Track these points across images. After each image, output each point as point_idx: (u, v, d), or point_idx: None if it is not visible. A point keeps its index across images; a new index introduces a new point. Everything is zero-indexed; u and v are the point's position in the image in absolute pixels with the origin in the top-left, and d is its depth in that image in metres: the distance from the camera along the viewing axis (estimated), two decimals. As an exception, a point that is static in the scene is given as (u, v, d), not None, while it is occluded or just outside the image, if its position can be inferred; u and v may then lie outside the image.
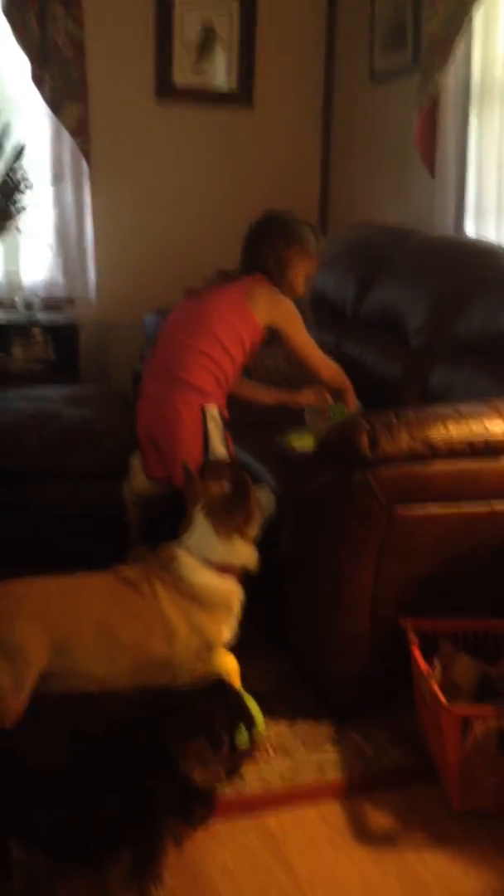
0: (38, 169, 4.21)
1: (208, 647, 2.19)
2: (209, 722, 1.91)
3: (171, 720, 1.89)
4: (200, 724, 1.89)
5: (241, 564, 2.26)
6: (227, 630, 2.24)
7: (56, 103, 4.22)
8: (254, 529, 2.28)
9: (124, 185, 4.54)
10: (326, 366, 3.05)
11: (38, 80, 4.17)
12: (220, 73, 4.65)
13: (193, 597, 2.18)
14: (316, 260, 3.09)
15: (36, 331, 4.24)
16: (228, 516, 2.22)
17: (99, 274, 4.52)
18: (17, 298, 4.32)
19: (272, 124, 4.76)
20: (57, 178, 4.34)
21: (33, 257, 4.46)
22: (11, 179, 4.06)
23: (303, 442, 2.86)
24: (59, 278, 4.48)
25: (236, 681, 2.22)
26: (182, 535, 2.26)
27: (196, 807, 1.85)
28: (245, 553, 2.26)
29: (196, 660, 2.17)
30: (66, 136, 4.31)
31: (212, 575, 2.21)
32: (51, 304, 4.41)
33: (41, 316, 4.29)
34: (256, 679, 2.43)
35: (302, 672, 2.58)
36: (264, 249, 2.97)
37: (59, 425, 3.33)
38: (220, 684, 2.05)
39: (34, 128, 4.31)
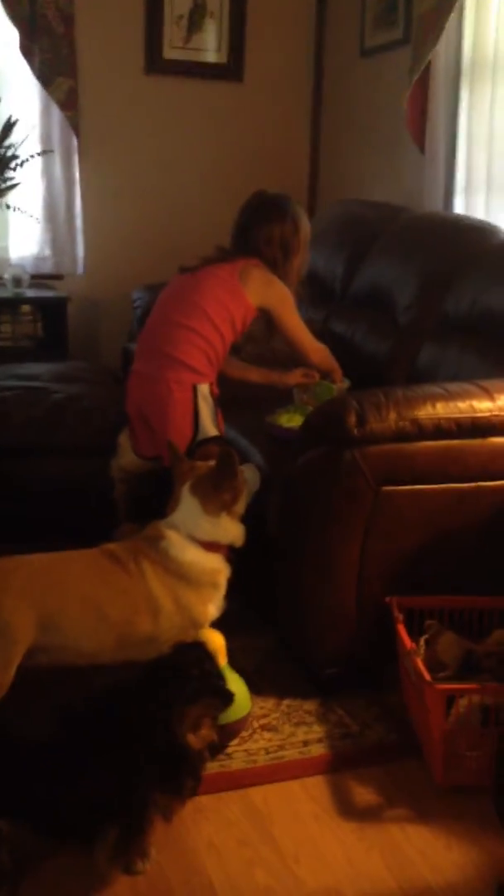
0: (27, 143, 4.16)
1: (194, 625, 2.20)
2: (206, 684, 1.89)
3: (165, 685, 1.87)
4: (198, 686, 1.87)
5: (229, 542, 2.27)
6: (213, 608, 2.25)
7: (45, 77, 4.18)
8: (241, 506, 2.28)
9: (113, 160, 4.50)
10: (315, 349, 3.05)
11: (27, 52, 4.12)
12: (210, 46, 4.61)
13: (181, 575, 2.19)
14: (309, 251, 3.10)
15: (24, 307, 4.21)
16: (215, 494, 2.22)
17: (87, 249, 4.49)
18: (4, 274, 4.29)
19: (262, 99, 4.72)
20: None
21: (21, 233, 4.42)
22: (2, 155, 4.02)
23: (291, 420, 2.86)
24: (48, 253, 4.45)
25: (223, 658, 2.23)
26: (169, 513, 2.26)
27: (187, 779, 1.85)
28: (232, 530, 2.26)
29: (182, 637, 2.18)
30: (55, 110, 4.27)
31: (199, 552, 2.22)
32: (39, 280, 4.38)
33: (29, 292, 4.25)
34: (243, 655, 2.45)
35: (288, 648, 2.59)
36: (265, 233, 2.94)
37: (48, 402, 3.32)
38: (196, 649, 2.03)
39: (23, 102, 4.26)
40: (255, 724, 2.30)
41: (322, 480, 2.34)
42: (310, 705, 2.40)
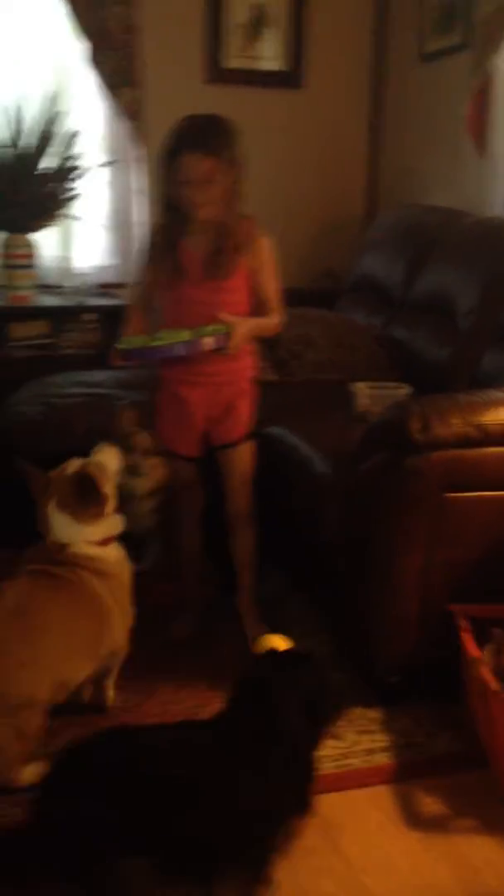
0: (92, 154, 4.23)
1: (126, 622, 2.28)
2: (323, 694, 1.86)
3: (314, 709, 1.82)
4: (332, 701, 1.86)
5: (115, 533, 2.31)
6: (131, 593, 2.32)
7: (111, 87, 4.24)
8: (111, 506, 2.30)
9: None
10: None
11: (95, 62, 4.19)
12: (270, 54, 4.63)
13: (103, 572, 2.23)
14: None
15: (87, 315, 4.27)
16: (81, 507, 2.23)
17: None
18: (68, 283, 4.36)
19: (322, 105, 4.72)
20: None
21: (86, 242, 4.49)
22: (66, 166, 4.09)
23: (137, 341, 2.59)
24: (111, 263, 4.51)
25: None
26: (47, 535, 2.25)
27: (310, 797, 1.78)
28: (112, 524, 2.30)
29: (123, 633, 2.27)
30: (120, 121, 4.33)
31: (101, 549, 2.26)
32: (102, 288, 4.44)
33: (92, 301, 4.32)
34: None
35: (350, 656, 2.58)
36: None
37: (111, 409, 3.36)
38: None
39: (89, 112, 4.33)
40: (319, 731, 2.29)
41: (385, 487, 2.33)
42: (373, 713, 2.39)
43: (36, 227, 4.17)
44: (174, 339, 2.45)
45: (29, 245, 4.17)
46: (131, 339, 2.56)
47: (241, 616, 2.74)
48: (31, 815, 1.69)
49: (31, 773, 2.02)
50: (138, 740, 1.77)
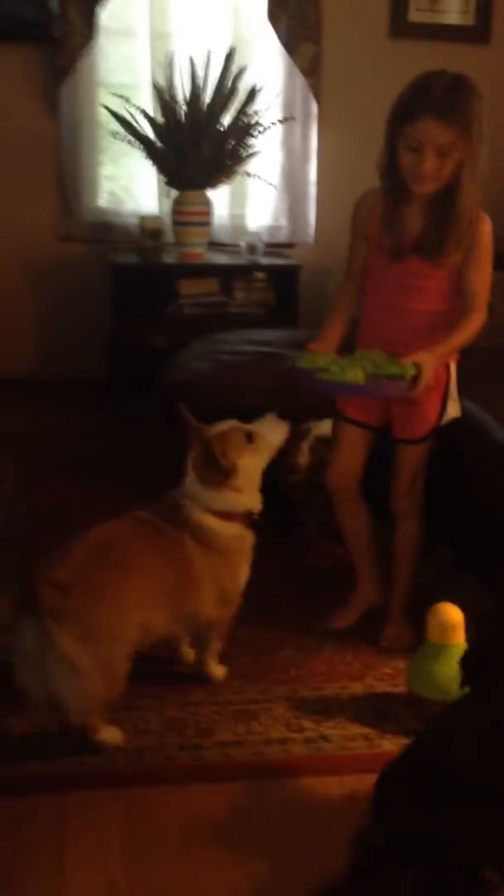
0: (269, 111, 4.20)
1: (226, 599, 2.19)
2: None
3: None
4: None
5: (243, 509, 2.18)
6: (242, 576, 2.21)
7: (290, 43, 4.20)
8: (238, 480, 2.14)
9: (352, 128, 4.44)
10: None
11: (274, 19, 4.15)
12: (456, 8, 4.46)
13: (207, 542, 2.14)
14: None
15: (258, 274, 4.28)
16: (208, 472, 2.13)
17: (319, 218, 4.49)
18: (240, 242, 4.37)
19: (511, 62, 4.52)
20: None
21: (259, 201, 4.48)
22: (244, 122, 4.07)
23: (321, 363, 2.24)
24: (283, 223, 4.49)
25: (460, 634, 2.18)
26: (182, 482, 2.19)
27: None
28: (241, 499, 2.17)
29: (218, 606, 2.18)
30: (299, 78, 4.28)
31: (216, 521, 2.15)
32: (273, 248, 4.43)
33: (263, 260, 4.31)
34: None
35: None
36: None
37: (280, 368, 3.35)
38: None
39: (267, 69, 4.29)
40: None
41: None
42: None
43: (212, 185, 4.19)
44: (355, 372, 2.13)
45: (204, 202, 4.20)
46: (316, 358, 2.24)
47: (387, 612, 2.53)
48: None
49: (111, 734, 2.03)
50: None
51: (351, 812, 1.89)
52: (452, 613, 2.19)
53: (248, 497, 2.19)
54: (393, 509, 2.50)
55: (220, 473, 2.12)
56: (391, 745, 2.09)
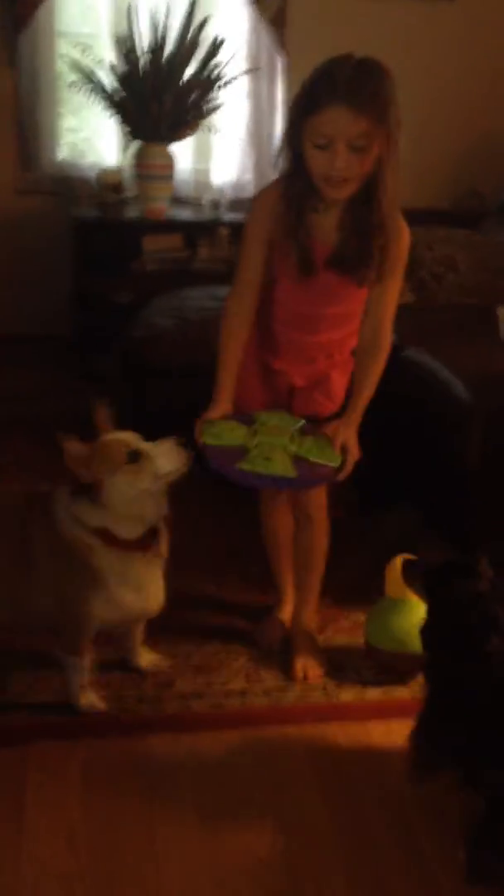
0: (233, 64, 4.12)
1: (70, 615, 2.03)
2: None
3: None
4: None
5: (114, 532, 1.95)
6: (99, 598, 1.98)
7: (255, -7, 4.13)
8: (106, 498, 1.89)
9: (318, 81, 4.40)
10: None
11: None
12: (424, -39, 4.39)
13: (59, 550, 1.98)
14: None
15: (221, 230, 4.23)
16: (74, 480, 1.92)
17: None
18: (204, 197, 4.32)
19: (475, 18, 4.45)
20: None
21: (224, 156, 4.42)
22: (207, 74, 4.00)
23: (233, 435, 1.96)
24: (248, 177, 4.44)
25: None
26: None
27: None
28: (111, 520, 1.92)
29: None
30: (264, 29, 4.20)
31: (83, 532, 1.96)
32: (238, 203, 4.38)
33: (227, 216, 4.27)
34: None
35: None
36: None
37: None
38: None
39: (232, 20, 4.21)
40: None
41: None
42: None
43: (174, 138, 4.13)
44: (283, 460, 1.88)
45: (166, 156, 4.14)
46: (221, 432, 1.95)
47: (291, 634, 2.29)
48: None
49: (90, 699, 2.04)
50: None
51: (309, 759, 1.93)
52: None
53: (121, 522, 1.91)
54: (296, 516, 2.26)
55: (81, 485, 1.89)
56: (348, 695, 2.13)
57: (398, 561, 2.22)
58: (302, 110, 1.85)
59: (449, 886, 1.66)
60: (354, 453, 1.97)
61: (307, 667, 2.21)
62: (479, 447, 2.41)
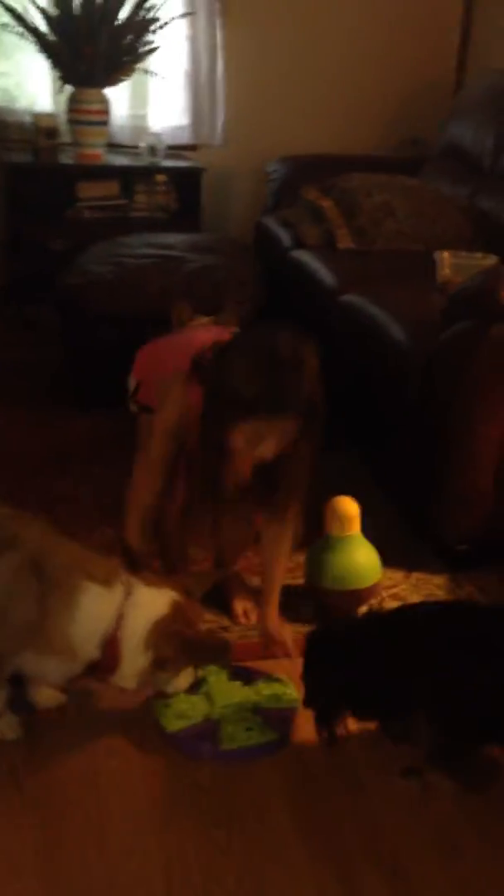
0: (168, 5, 4.03)
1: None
2: None
3: None
4: None
5: None
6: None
7: None
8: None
9: (258, 23, 4.31)
10: None
11: None
12: None
13: None
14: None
15: (159, 177, 4.17)
16: None
17: (227, 118, 4.37)
18: (141, 143, 4.24)
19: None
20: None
21: (160, 100, 4.34)
22: (142, 16, 3.91)
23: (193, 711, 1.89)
24: (186, 122, 4.37)
25: (356, 525, 2.23)
26: None
27: None
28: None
29: None
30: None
31: None
32: (175, 150, 4.32)
33: (165, 162, 4.20)
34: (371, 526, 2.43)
35: (419, 526, 2.56)
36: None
37: (183, 271, 3.31)
38: None
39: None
40: (384, 594, 2.31)
41: (468, 355, 2.28)
42: (439, 580, 2.39)
43: (109, 82, 4.04)
44: (249, 724, 1.85)
45: (101, 100, 4.05)
46: (182, 710, 1.88)
47: (223, 579, 2.31)
48: None
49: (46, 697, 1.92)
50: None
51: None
52: (349, 506, 2.24)
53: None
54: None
55: None
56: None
57: (337, 500, 2.24)
58: (234, 407, 1.84)
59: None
60: (289, 634, 2.08)
61: (247, 608, 2.25)
62: (417, 389, 2.44)
